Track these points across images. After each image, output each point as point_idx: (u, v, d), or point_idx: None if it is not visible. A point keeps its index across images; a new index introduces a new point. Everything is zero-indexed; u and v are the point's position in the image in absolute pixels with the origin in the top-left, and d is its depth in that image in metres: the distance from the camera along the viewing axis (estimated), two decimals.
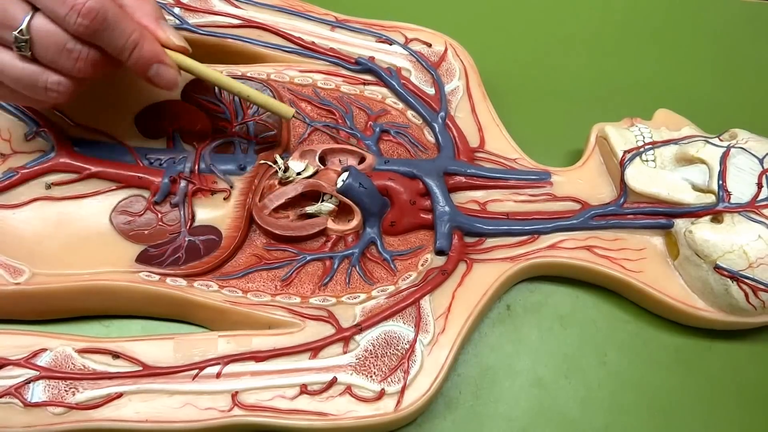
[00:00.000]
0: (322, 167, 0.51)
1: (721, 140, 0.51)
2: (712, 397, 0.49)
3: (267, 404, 0.43)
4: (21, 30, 0.41)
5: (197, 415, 0.42)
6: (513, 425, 0.47)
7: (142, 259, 0.47)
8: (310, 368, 0.44)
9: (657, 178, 0.50)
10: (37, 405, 0.42)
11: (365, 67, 0.55)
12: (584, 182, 0.53)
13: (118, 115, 0.51)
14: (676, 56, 0.64)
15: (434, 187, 0.51)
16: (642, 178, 0.50)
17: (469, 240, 0.50)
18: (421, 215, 0.50)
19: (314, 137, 0.53)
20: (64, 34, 0.41)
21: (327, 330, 0.46)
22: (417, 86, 0.55)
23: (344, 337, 0.45)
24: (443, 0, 0.65)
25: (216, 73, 0.47)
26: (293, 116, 0.49)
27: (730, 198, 0.49)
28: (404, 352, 0.45)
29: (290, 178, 0.50)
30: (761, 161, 0.50)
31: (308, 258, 0.48)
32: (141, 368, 0.43)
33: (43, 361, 0.43)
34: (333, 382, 0.44)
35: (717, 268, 0.47)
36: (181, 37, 0.46)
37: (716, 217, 0.49)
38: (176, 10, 0.55)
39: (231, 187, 0.50)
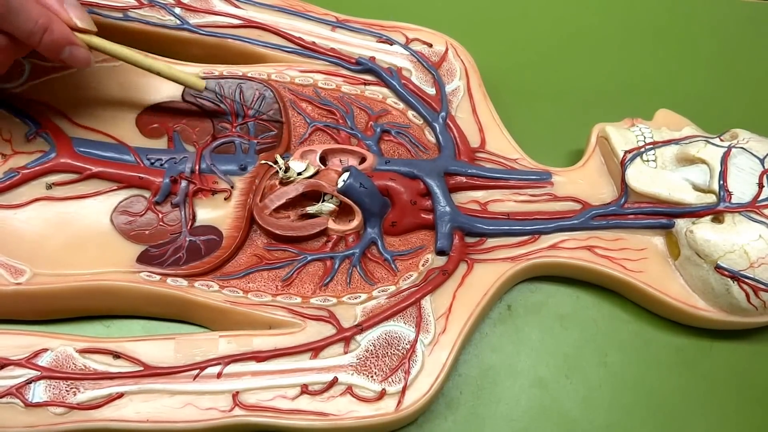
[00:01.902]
0: (323, 167, 0.51)
1: (721, 140, 0.51)
2: (713, 397, 0.49)
3: (268, 404, 0.43)
4: None
5: (198, 415, 0.42)
6: (514, 425, 0.47)
7: (143, 259, 0.47)
8: (311, 368, 0.44)
9: (658, 178, 0.50)
10: (38, 405, 0.42)
11: (366, 67, 0.55)
12: (585, 182, 0.53)
13: (119, 116, 0.51)
14: (677, 56, 0.64)
15: (435, 187, 0.51)
16: (643, 178, 0.50)
17: (469, 240, 0.50)
18: (422, 215, 0.50)
19: (315, 137, 0.53)
20: None
21: (328, 330, 0.46)
22: (418, 86, 0.55)
23: (345, 337, 0.45)
24: (444, 0, 0.65)
25: (122, 48, 0.48)
26: (205, 88, 0.50)
27: (731, 198, 0.49)
28: (405, 352, 0.45)
29: (291, 178, 0.50)
30: (762, 161, 0.50)
31: (309, 258, 0.48)
32: (142, 368, 0.43)
33: (44, 361, 0.43)
34: (334, 382, 0.44)
35: (718, 268, 0.47)
36: (86, 15, 0.47)
37: (717, 217, 0.49)
38: (177, 10, 0.55)
39: (232, 187, 0.50)
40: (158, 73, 0.49)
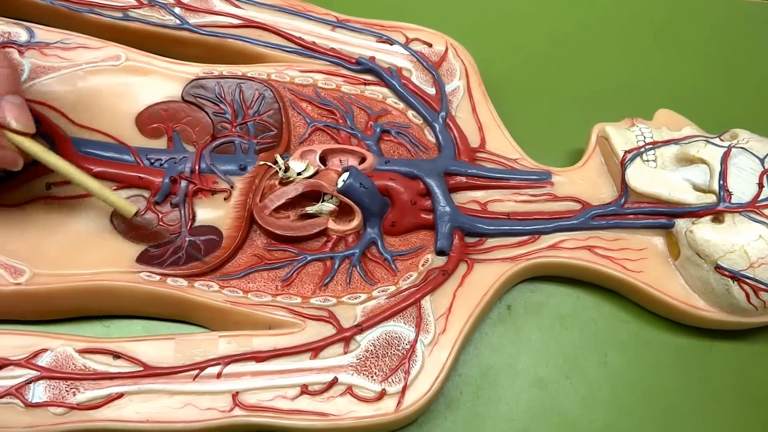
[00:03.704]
0: (323, 167, 0.51)
1: (721, 140, 0.51)
2: (713, 397, 0.49)
3: (268, 404, 0.43)
4: None
5: (198, 416, 0.42)
6: (514, 425, 0.47)
7: (143, 259, 0.47)
8: (310, 368, 0.44)
9: (658, 178, 0.50)
10: (38, 405, 0.42)
11: (366, 67, 0.55)
12: (585, 182, 0.53)
13: (119, 116, 0.51)
14: (677, 56, 0.64)
15: (435, 187, 0.51)
16: (643, 178, 0.50)
17: (469, 240, 0.50)
18: (422, 215, 0.50)
19: (315, 137, 0.53)
20: None
21: (328, 330, 0.46)
22: (418, 86, 0.55)
23: (345, 337, 0.45)
24: (444, 0, 0.65)
25: (55, 158, 0.45)
26: (135, 214, 0.46)
27: (730, 198, 0.49)
28: (405, 353, 0.45)
29: (291, 178, 0.50)
30: (762, 161, 0.50)
31: (309, 258, 0.48)
32: (142, 368, 0.43)
33: (43, 361, 0.43)
34: (334, 382, 0.44)
35: (718, 268, 0.47)
36: (25, 116, 0.43)
37: (717, 217, 0.49)
38: (177, 10, 0.55)
39: (231, 187, 0.50)
40: (89, 191, 0.45)
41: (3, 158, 0.44)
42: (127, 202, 0.47)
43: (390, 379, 0.44)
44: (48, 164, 0.45)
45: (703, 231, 0.48)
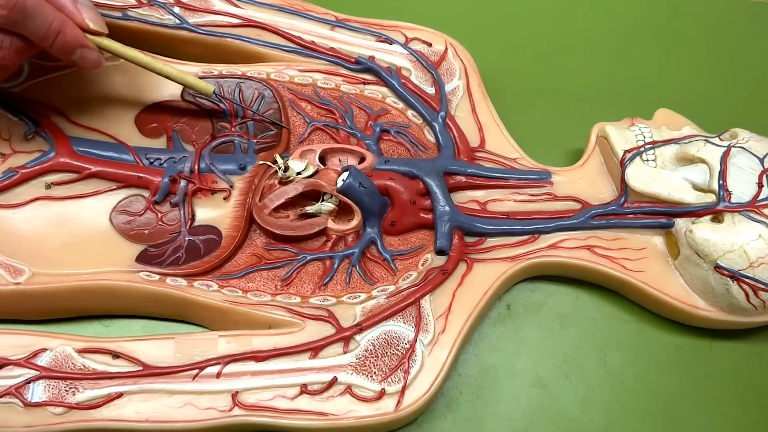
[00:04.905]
0: (322, 167, 0.51)
1: (721, 140, 0.51)
2: (713, 396, 0.49)
3: (267, 404, 0.43)
4: None
5: (197, 415, 0.42)
6: (513, 425, 0.47)
7: (142, 258, 0.47)
8: (310, 368, 0.44)
9: (657, 178, 0.50)
10: (37, 405, 0.42)
11: (365, 67, 0.55)
12: (584, 182, 0.53)
13: (119, 115, 0.51)
14: (677, 56, 0.64)
15: (434, 186, 0.51)
16: (642, 177, 0.50)
17: (469, 240, 0.50)
18: (422, 215, 0.50)
19: (314, 137, 0.53)
20: None
21: (327, 330, 0.46)
22: (417, 86, 0.55)
23: (344, 336, 0.45)
24: (444, 0, 0.65)
25: (133, 51, 0.49)
26: (213, 93, 0.50)
27: (730, 197, 0.49)
28: (404, 352, 0.45)
29: (290, 178, 0.50)
30: (762, 161, 0.50)
31: (308, 258, 0.48)
32: (141, 368, 0.43)
33: (43, 360, 0.43)
34: (333, 381, 0.44)
35: (717, 268, 0.47)
36: (99, 17, 0.47)
37: (717, 216, 0.49)
38: (176, 10, 0.55)
39: (231, 186, 0.50)
40: (167, 77, 0.49)
41: (88, 58, 0.47)
42: (204, 82, 0.50)
43: (389, 379, 0.44)
44: (127, 58, 0.49)
45: (703, 230, 0.48)
